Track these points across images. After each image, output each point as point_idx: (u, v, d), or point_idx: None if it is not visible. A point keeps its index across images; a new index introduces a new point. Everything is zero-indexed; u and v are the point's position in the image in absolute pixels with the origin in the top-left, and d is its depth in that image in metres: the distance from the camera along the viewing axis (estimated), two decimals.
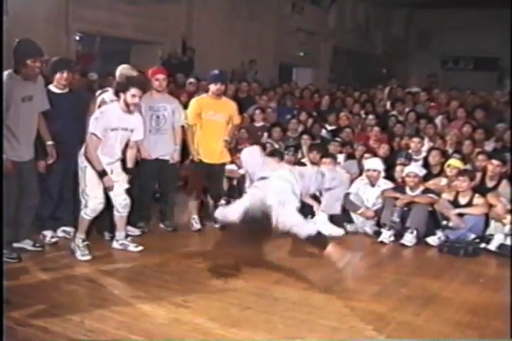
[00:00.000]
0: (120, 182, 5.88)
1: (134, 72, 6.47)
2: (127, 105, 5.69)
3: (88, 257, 5.68)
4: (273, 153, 8.32)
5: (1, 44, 5.07)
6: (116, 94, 5.78)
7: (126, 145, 5.96)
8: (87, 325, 4.16)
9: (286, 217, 5.20)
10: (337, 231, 7.18)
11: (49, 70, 6.09)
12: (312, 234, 5.17)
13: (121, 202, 5.92)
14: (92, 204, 5.69)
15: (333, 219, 7.22)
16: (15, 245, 5.66)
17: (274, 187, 5.44)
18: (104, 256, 5.89)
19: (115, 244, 6.11)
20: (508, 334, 4.17)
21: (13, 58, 5.32)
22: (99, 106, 6.13)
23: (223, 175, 7.58)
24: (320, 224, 6.57)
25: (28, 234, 5.84)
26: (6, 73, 5.28)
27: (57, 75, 6.04)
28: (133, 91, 5.63)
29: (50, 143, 5.81)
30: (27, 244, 5.79)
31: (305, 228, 5.21)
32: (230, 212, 5.46)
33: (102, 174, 5.64)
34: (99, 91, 6.57)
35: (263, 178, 5.61)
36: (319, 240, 5.24)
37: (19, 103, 5.33)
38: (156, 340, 4.02)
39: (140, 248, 6.07)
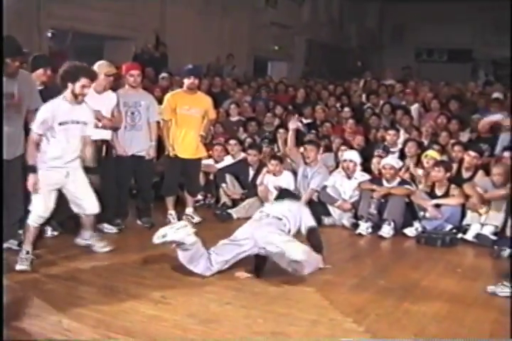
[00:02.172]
0: (81, 184, 5.58)
1: (112, 68, 6.42)
2: (75, 96, 5.33)
3: (24, 267, 5.23)
4: (251, 147, 8.34)
5: (1, 44, 5.00)
6: (64, 84, 5.36)
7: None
8: (64, 324, 4.11)
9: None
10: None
11: (29, 67, 6.03)
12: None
13: (88, 206, 5.61)
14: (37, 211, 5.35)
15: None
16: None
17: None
18: (81, 253, 5.82)
19: (80, 241, 5.89)
20: (508, 334, 4.19)
21: None
22: None
23: (199, 170, 7.56)
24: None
25: (14, 233, 5.72)
26: None
27: (39, 71, 6.00)
28: (83, 81, 5.27)
29: None
30: (12, 244, 5.68)
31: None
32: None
33: (29, 169, 5.19)
34: None
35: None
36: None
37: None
38: (135, 338, 3.98)
39: (108, 248, 5.90)
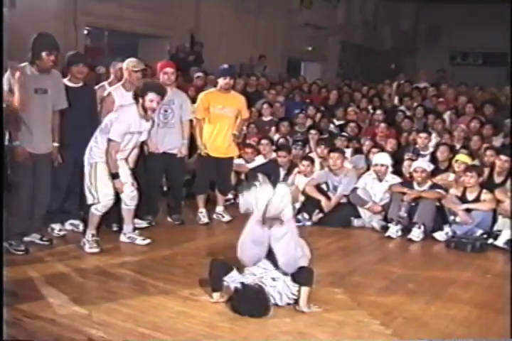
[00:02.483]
0: (126, 176, 5.89)
1: (141, 65, 6.50)
2: (145, 110, 5.71)
3: (96, 250, 5.71)
4: (280, 148, 8.35)
5: (1, 43, 5.08)
6: (135, 98, 5.77)
7: None
8: (94, 318, 4.17)
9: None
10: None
11: (64, 64, 6.14)
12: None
13: (128, 193, 5.93)
14: (103, 200, 5.71)
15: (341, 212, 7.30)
16: (24, 239, 5.68)
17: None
18: (112, 249, 5.91)
19: (123, 238, 6.13)
20: (508, 334, 4.17)
21: (30, 50, 5.40)
22: (103, 100, 6.29)
23: (231, 169, 7.59)
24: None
25: (37, 227, 5.87)
26: (21, 65, 5.37)
27: (74, 68, 6.09)
28: (150, 95, 5.64)
29: (56, 145, 5.81)
30: (35, 238, 5.82)
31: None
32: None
33: (114, 176, 5.69)
34: (98, 86, 6.67)
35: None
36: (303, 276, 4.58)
37: (32, 94, 5.38)
38: (163, 333, 4.03)
39: (147, 241, 6.09)
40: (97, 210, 5.77)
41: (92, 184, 5.70)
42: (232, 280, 4.56)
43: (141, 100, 5.69)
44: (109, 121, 5.68)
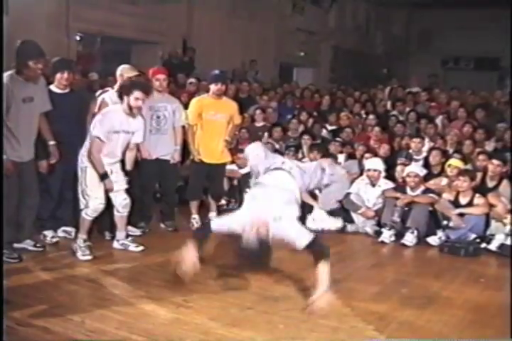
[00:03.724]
0: (120, 183, 5.89)
1: (134, 72, 6.49)
2: (130, 108, 5.70)
3: (89, 257, 5.68)
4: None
5: (1, 44, 5.06)
6: (120, 96, 5.79)
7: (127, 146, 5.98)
8: (87, 325, 4.16)
9: (284, 232, 4.75)
10: (336, 223, 7.22)
11: (50, 70, 6.09)
12: (308, 244, 4.71)
13: (121, 201, 5.93)
14: (93, 204, 5.70)
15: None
16: (16, 245, 5.66)
17: (272, 204, 4.88)
18: (105, 255, 5.89)
19: (116, 244, 6.11)
20: (508, 334, 4.17)
21: (15, 59, 5.29)
22: (100, 107, 6.16)
23: (224, 175, 7.59)
24: (319, 221, 6.51)
25: (29, 234, 5.85)
26: (7, 74, 5.26)
27: (58, 75, 6.03)
28: (136, 94, 5.63)
29: (52, 143, 5.79)
30: (28, 244, 5.79)
31: (302, 240, 4.72)
32: (225, 225, 5.02)
33: (103, 176, 5.66)
34: (100, 92, 6.59)
35: (262, 185, 5.20)
36: (317, 249, 4.72)
37: (19, 103, 5.31)
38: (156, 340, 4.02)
39: (141, 248, 6.08)
40: (87, 215, 5.74)
41: (83, 188, 5.69)
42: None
43: (126, 99, 5.69)
44: (94, 123, 5.66)
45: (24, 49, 5.30)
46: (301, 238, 4.71)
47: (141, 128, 6.02)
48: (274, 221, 4.72)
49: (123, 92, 5.74)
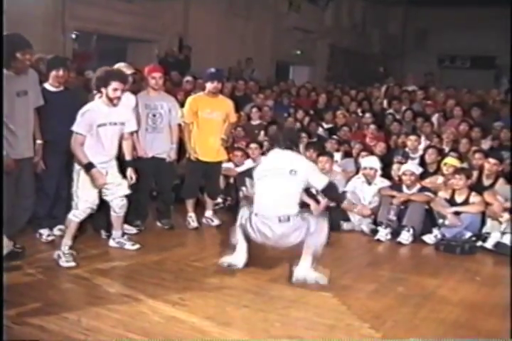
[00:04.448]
0: (117, 185, 5.78)
1: (130, 70, 6.49)
2: (110, 99, 5.56)
3: (72, 264, 5.43)
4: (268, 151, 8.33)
5: (1, 44, 5.04)
6: (98, 89, 5.63)
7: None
8: (83, 324, 4.16)
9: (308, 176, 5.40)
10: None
11: (45, 68, 6.07)
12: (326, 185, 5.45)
13: (118, 202, 5.87)
14: (81, 206, 5.55)
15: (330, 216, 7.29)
16: None
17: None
18: (101, 254, 5.88)
19: (112, 243, 6.10)
20: (508, 334, 4.17)
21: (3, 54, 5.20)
22: None
23: (220, 173, 7.58)
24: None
25: (16, 234, 5.72)
26: None
27: (53, 72, 6.00)
28: (114, 84, 5.50)
29: (39, 142, 5.72)
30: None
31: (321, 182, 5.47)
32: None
33: (88, 167, 5.44)
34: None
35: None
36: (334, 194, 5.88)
37: (14, 98, 5.23)
38: (152, 339, 4.01)
39: (137, 246, 6.06)
40: (75, 216, 5.57)
41: (75, 189, 5.57)
42: None
43: (104, 90, 5.56)
44: (77, 118, 5.53)
45: (10, 41, 5.17)
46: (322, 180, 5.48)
47: (133, 117, 5.94)
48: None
49: (100, 84, 5.57)
